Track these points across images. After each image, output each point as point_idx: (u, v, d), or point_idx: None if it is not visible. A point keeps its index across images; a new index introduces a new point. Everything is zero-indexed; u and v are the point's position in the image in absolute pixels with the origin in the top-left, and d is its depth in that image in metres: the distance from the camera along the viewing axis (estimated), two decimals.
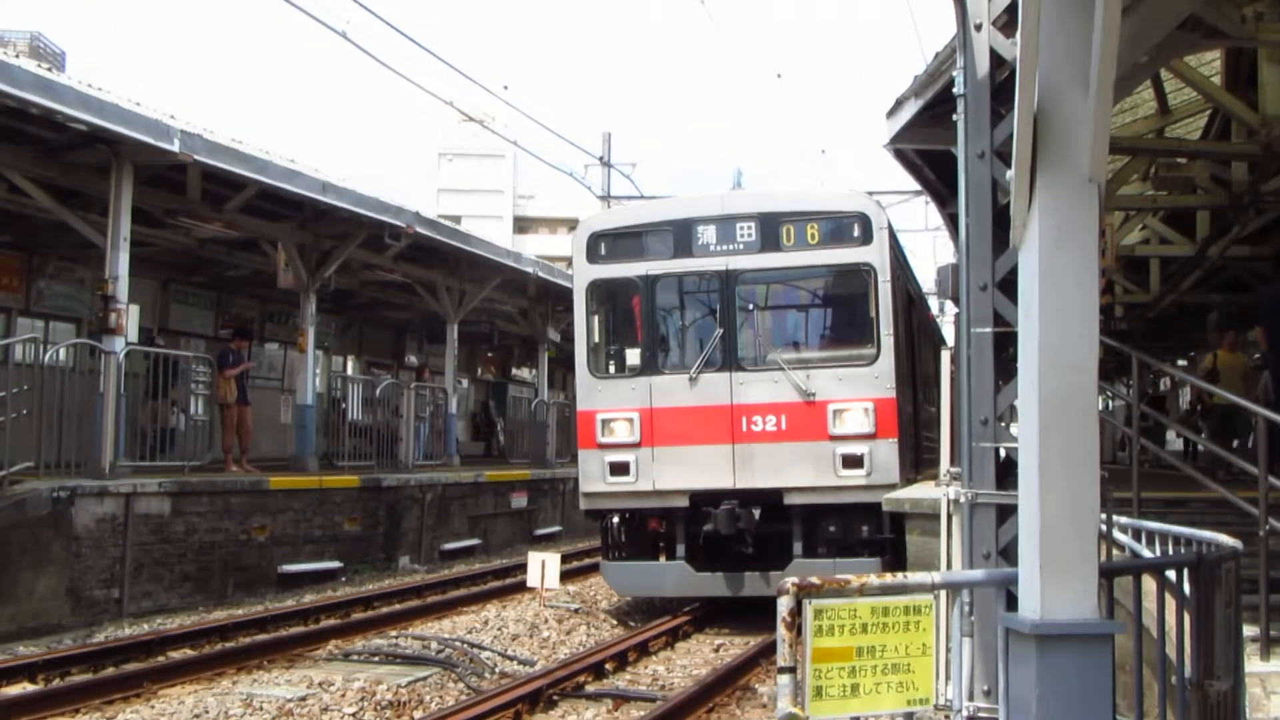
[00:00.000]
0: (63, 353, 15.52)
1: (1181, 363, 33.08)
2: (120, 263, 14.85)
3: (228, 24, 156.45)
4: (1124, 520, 8.54)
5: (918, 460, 15.93)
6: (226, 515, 15.68)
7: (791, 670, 4.69)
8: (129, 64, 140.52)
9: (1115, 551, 8.12)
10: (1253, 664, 6.98)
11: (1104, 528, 7.39)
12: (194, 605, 14.79)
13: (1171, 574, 5.85)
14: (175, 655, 11.76)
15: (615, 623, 14.55)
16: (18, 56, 13.84)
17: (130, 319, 15.27)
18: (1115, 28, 4.27)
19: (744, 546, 13.55)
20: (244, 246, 21.08)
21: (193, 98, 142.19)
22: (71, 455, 14.20)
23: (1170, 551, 7.44)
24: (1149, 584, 5.95)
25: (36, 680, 10.50)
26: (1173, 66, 11.96)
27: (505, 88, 38.02)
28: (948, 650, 6.59)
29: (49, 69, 14.45)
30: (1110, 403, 30.16)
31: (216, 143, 15.35)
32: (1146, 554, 7.84)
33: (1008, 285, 6.14)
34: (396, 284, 25.33)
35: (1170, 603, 5.74)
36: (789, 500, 13.50)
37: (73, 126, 13.66)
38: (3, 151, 14.71)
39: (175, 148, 14.41)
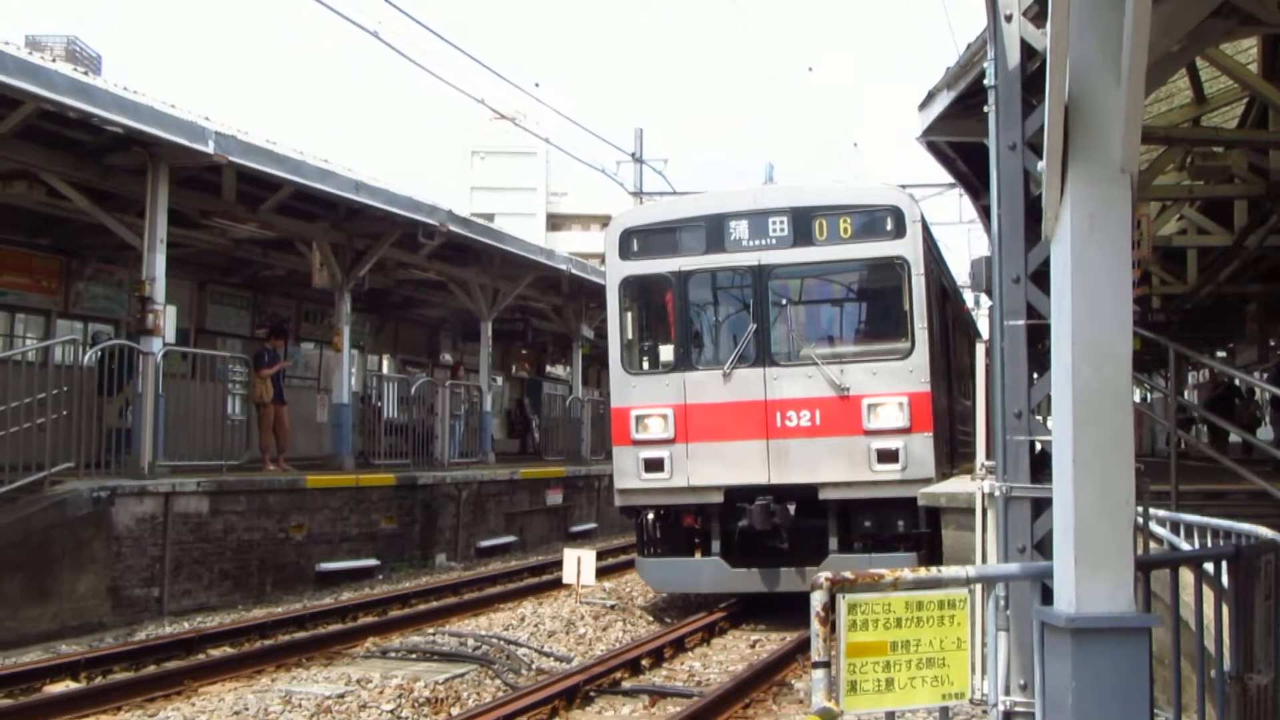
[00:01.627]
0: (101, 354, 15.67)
1: (1220, 354, 32.82)
2: (157, 264, 14.97)
3: (260, 25, 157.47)
4: (1161, 513, 8.49)
5: (953, 454, 15.87)
6: (264, 514, 15.80)
7: (826, 665, 4.69)
8: (163, 66, 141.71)
9: (1153, 545, 8.06)
10: None
11: (1140, 520, 7.34)
12: (233, 603, 14.91)
13: (1209, 567, 5.80)
14: (215, 653, 11.87)
15: (651, 619, 14.56)
16: (55, 61, 13.97)
17: (167, 320, 15.35)
18: (1146, 16, 4.24)
19: (779, 542, 13.53)
20: (279, 246, 21.21)
21: (227, 99, 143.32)
22: (111, 455, 14.34)
23: (1208, 544, 7.38)
24: (1186, 577, 5.92)
25: (79, 678, 10.60)
26: (1208, 55, 11.86)
27: (536, 85, 38.07)
28: (983, 644, 6.57)
29: (85, 73, 14.57)
30: (1149, 395, 29.93)
31: (251, 143, 15.45)
32: (1184, 547, 7.79)
33: (1041, 277, 6.08)
34: (430, 282, 25.43)
35: (1209, 596, 5.69)
36: (824, 495, 13.45)
37: (109, 129, 13.78)
38: (42, 155, 14.85)
39: (210, 149, 14.51)
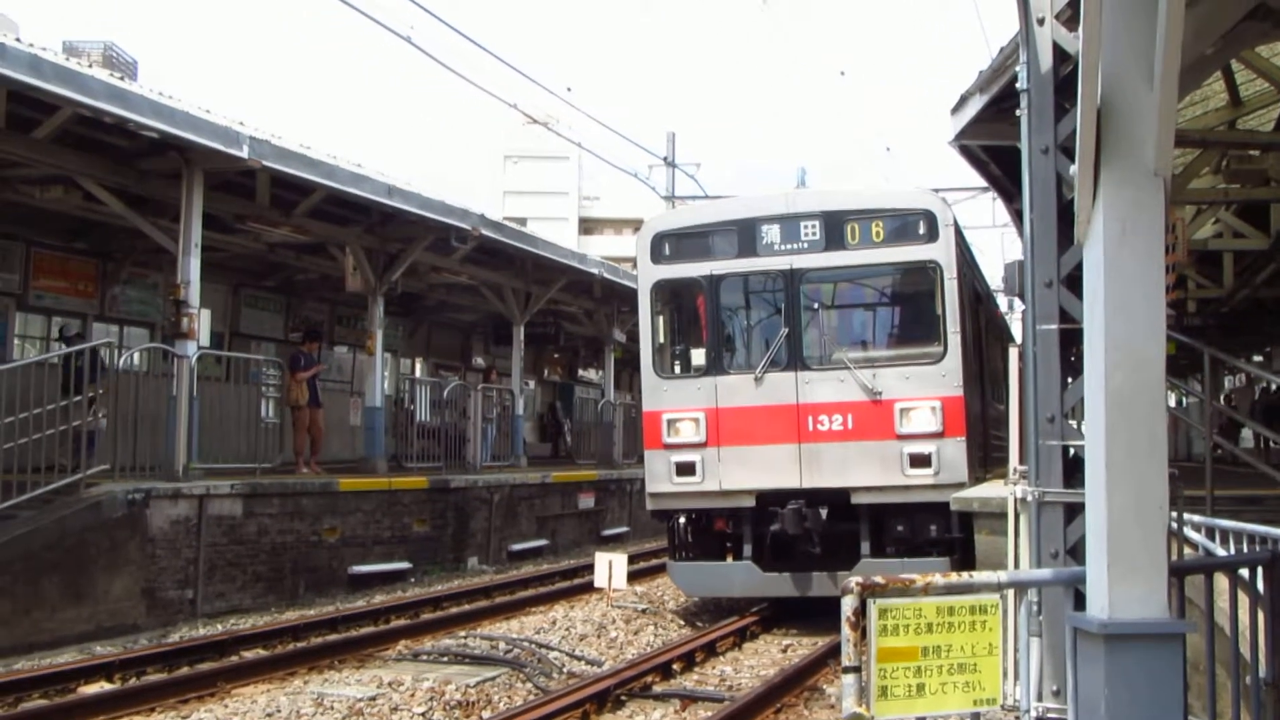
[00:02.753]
0: (136, 357, 15.83)
1: (1257, 358, 32.55)
2: (192, 268, 15.07)
3: (294, 30, 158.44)
4: (1197, 519, 8.42)
5: (986, 459, 15.77)
6: (297, 516, 15.87)
7: (856, 670, 4.68)
8: (198, 72, 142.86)
9: (1187, 550, 8.00)
10: None
11: (1174, 526, 7.28)
12: (266, 606, 14.98)
13: (1245, 572, 5.76)
14: (248, 655, 11.94)
15: (683, 623, 14.54)
16: (92, 66, 14.09)
17: (202, 323, 15.47)
18: (1179, 19, 4.22)
19: (811, 546, 13.47)
20: (312, 251, 21.33)
21: (261, 103, 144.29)
22: (146, 458, 14.44)
23: (1244, 550, 7.32)
24: (1221, 582, 5.87)
25: (114, 679, 10.69)
26: (1243, 57, 11.77)
27: (569, 89, 38.36)
28: (1015, 650, 6.53)
29: (122, 78, 14.69)
30: (1184, 399, 29.67)
31: (284, 148, 15.53)
32: (1220, 552, 7.73)
33: (1074, 281, 6.06)
34: (463, 286, 25.50)
35: (1244, 601, 5.65)
36: (856, 500, 13.40)
37: (145, 134, 13.89)
38: (78, 160, 14.99)
39: (244, 154, 14.60)
